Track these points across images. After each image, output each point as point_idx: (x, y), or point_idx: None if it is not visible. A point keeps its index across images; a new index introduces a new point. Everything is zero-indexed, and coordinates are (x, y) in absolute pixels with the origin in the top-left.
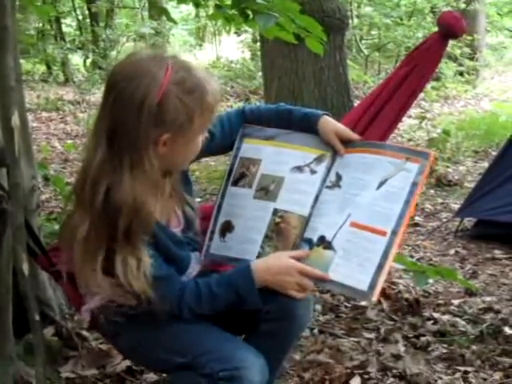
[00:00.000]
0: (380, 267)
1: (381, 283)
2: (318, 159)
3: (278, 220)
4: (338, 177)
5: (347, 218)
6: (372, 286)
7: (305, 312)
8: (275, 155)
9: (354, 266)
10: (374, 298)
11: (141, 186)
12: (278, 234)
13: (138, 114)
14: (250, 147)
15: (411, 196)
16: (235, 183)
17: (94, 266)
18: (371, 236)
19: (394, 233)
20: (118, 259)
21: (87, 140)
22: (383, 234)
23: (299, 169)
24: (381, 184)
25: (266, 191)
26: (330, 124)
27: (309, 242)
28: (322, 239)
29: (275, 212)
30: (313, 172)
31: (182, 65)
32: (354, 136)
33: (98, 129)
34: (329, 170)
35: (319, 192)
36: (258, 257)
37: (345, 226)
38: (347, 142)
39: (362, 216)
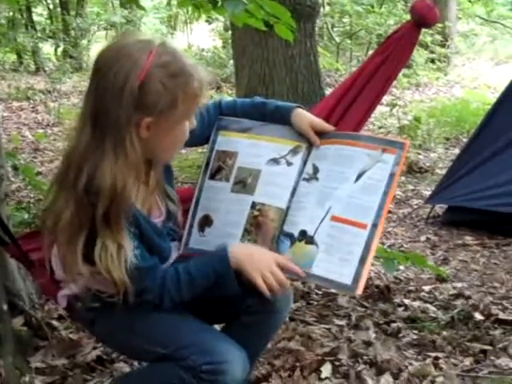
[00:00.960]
0: (363, 260)
1: (364, 276)
2: (294, 151)
3: (256, 213)
4: (315, 169)
5: (327, 211)
6: (356, 280)
7: (285, 304)
8: (251, 148)
9: (336, 260)
10: (359, 291)
11: (122, 170)
12: (256, 227)
13: (119, 97)
14: (225, 140)
15: (389, 187)
16: (212, 177)
17: (76, 250)
18: (352, 229)
19: (375, 225)
20: (97, 244)
21: (73, 126)
22: (364, 226)
23: (275, 161)
24: (359, 176)
25: (244, 184)
26: (303, 116)
27: (290, 236)
28: (303, 234)
29: (253, 205)
30: (289, 164)
31: (168, 50)
32: (329, 127)
33: (82, 114)
34: (305, 161)
35: (296, 184)
36: None
37: (326, 220)
38: (322, 134)
39: (342, 209)
